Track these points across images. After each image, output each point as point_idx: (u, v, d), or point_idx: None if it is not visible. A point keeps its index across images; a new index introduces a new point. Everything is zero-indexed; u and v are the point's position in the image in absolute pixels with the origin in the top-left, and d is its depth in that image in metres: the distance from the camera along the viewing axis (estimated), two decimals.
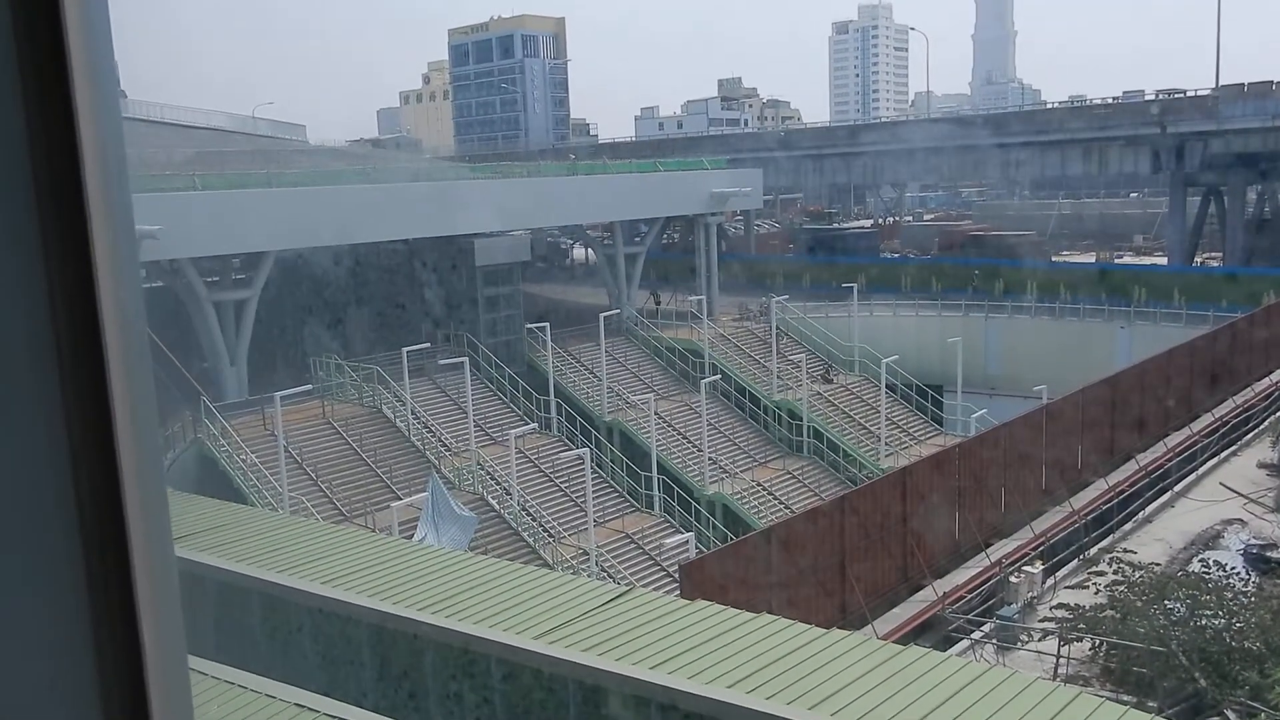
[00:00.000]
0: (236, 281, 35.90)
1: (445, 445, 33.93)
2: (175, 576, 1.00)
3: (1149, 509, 22.09)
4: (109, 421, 0.94)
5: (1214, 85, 53.85)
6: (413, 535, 25.47)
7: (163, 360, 31.22)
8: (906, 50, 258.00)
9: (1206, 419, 27.33)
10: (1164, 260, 58.89)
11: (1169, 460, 24.54)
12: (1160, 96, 57.40)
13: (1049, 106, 78.17)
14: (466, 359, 33.86)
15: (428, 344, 36.11)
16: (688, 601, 10.72)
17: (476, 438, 33.54)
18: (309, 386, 31.32)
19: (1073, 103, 75.79)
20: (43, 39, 0.89)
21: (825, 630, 9.68)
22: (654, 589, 25.51)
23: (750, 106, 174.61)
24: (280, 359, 36.60)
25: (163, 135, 55.63)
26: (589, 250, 59.32)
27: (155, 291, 35.38)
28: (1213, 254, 60.36)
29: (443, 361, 35.24)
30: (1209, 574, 16.11)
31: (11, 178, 0.88)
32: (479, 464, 32.50)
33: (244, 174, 38.61)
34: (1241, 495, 22.61)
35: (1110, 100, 62.90)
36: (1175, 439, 25.99)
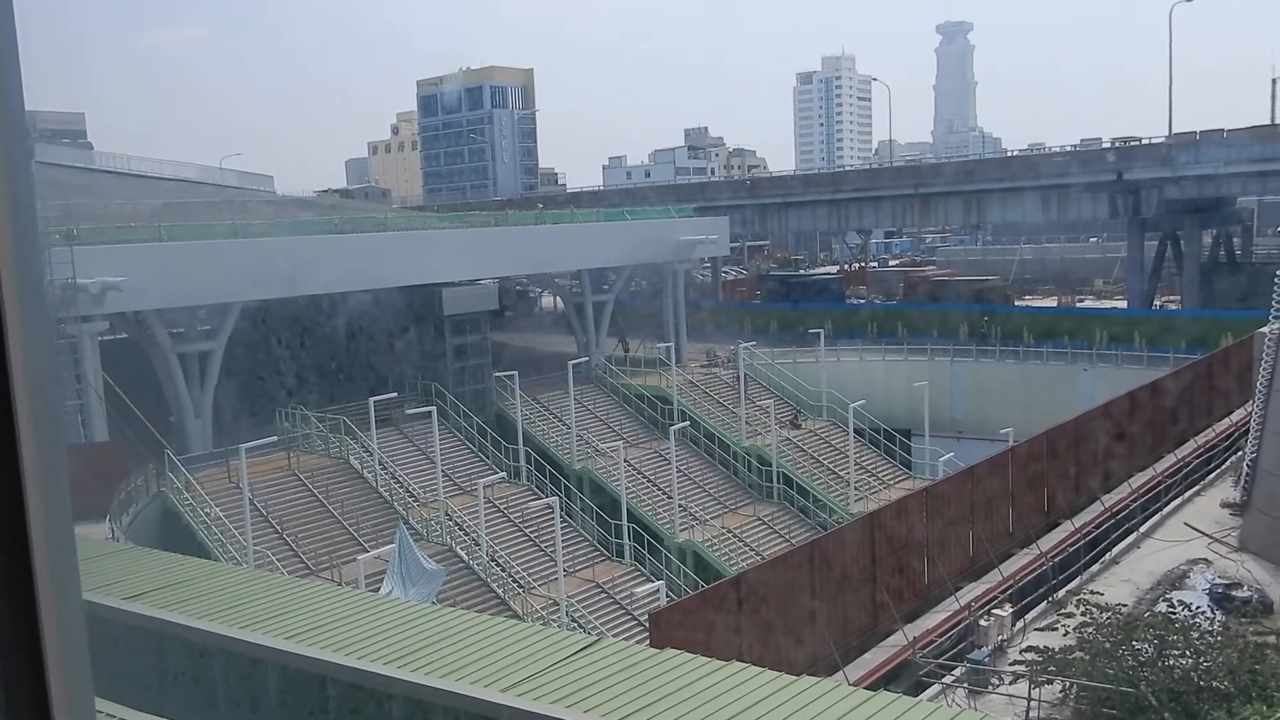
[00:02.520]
0: (202, 333, 35.60)
1: (413, 496, 33.62)
2: (83, 623, 1.01)
3: (1115, 550, 22.26)
4: (17, 471, 0.96)
5: (1167, 133, 55.32)
6: (380, 588, 25.12)
7: (126, 413, 30.82)
8: (870, 99, 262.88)
9: (1170, 459, 27.68)
10: (1124, 303, 59.95)
11: (1134, 501, 24.79)
12: (1116, 144, 58.84)
13: (1009, 154, 79.88)
14: (434, 408, 33.70)
15: (395, 393, 35.89)
16: (657, 650, 10.64)
17: (445, 488, 33.28)
18: (275, 438, 31.00)
19: (1032, 150, 77.49)
20: None
21: (796, 677, 9.64)
22: (625, 638, 25.28)
23: (717, 155, 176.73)
24: (246, 410, 36.22)
25: (129, 187, 55.38)
26: (557, 298, 59.48)
27: (119, 343, 35.04)
28: (1171, 297, 61.56)
29: (410, 411, 35.05)
30: (1176, 614, 16.22)
31: None
32: (447, 514, 32.21)
33: (210, 225, 38.49)
34: (1206, 535, 22.85)
35: (1068, 148, 64.33)
36: (1139, 479, 26.27)
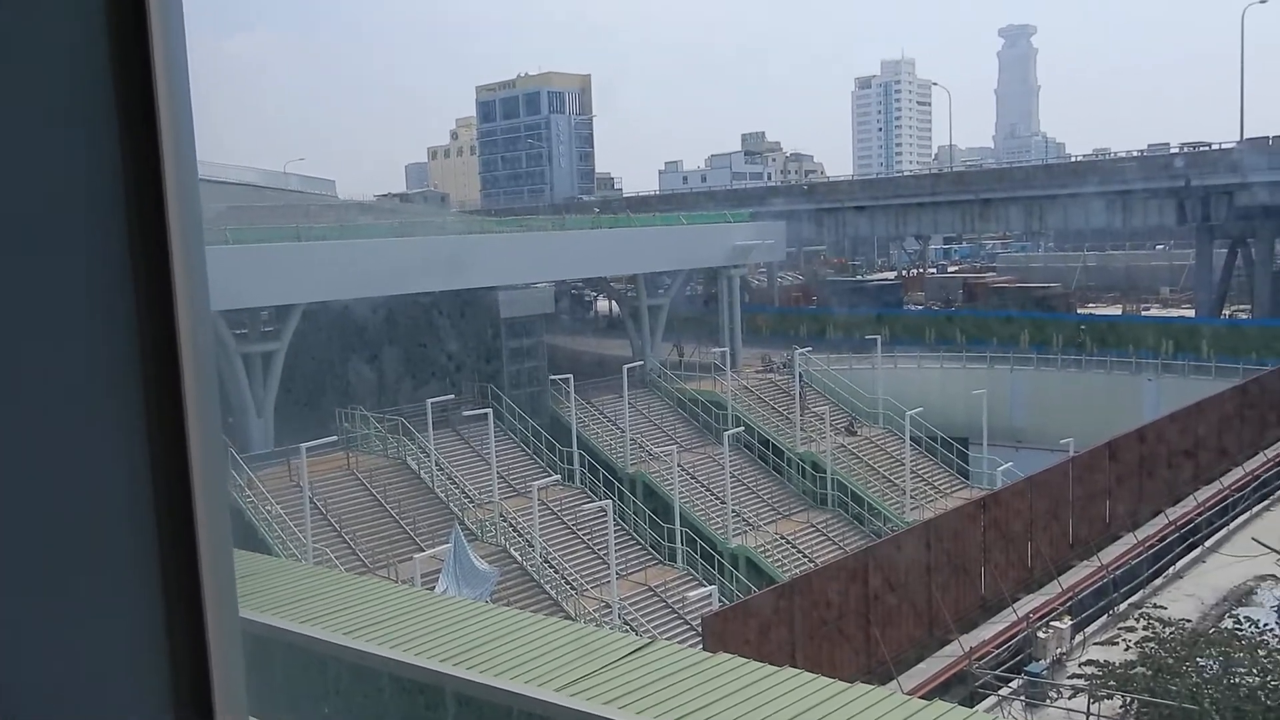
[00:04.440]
0: (264, 334, 36.40)
1: (468, 497, 33.97)
2: (240, 640, 1.09)
3: (1179, 564, 21.76)
4: (188, 491, 1.04)
5: (1238, 139, 53.92)
6: (434, 587, 25.46)
7: None
8: (929, 104, 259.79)
9: (1237, 473, 26.97)
10: (1191, 312, 58.51)
11: (1199, 514, 24.20)
12: (1184, 149, 57.49)
13: (1073, 159, 78.46)
14: (490, 410, 34.02)
15: (452, 395, 36.32)
16: (711, 654, 10.67)
17: (500, 489, 33.58)
18: (334, 438, 31.54)
19: (1097, 156, 76.02)
20: (131, 96, 1.00)
21: (849, 684, 9.61)
22: (677, 642, 25.30)
23: (773, 160, 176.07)
24: (307, 410, 36.92)
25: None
26: (612, 302, 59.73)
27: None
28: (1241, 306, 59.92)
29: (466, 413, 35.43)
30: (1242, 630, 15.83)
31: (105, 230, 0.99)
32: (501, 516, 32.50)
33: (273, 228, 39.30)
34: (1274, 550, 22.22)
35: (1134, 153, 63.00)
36: (1206, 493, 25.64)
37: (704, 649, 12.27)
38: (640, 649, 10.57)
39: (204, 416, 1.03)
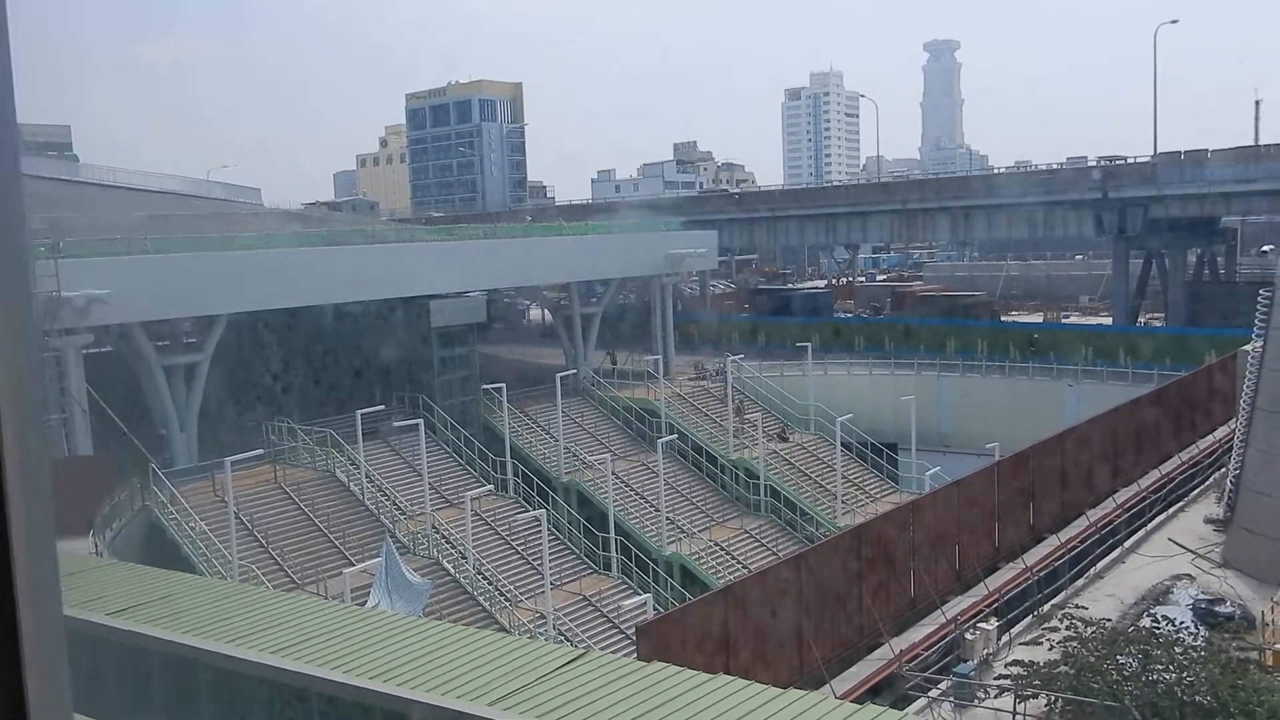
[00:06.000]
0: (187, 345, 35.45)
1: (399, 509, 33.50)
2: (63, 639, 1.04)
3: (1100, 565, 22.36)
4: (1, 485, 0.98)
5: (1153, 153, 55.81)
6: (365, 602, 25.01)
7: (110, 426, 30.64)
8: (857, 116, 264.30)
9: (1154, 475, 27.83)
10: (1109, 320, 60.33)
11: (1118, 516, 24.91)
12: (1102, 162, 59.32)
13: (995, 171, 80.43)
14: (421, 421, 33.60)
15: (382, 406, 35.79)
16: (645, 663, 10.64)
17: (432, 500, 33.15)
18: (260, 451, 30.84)
19: (1019, 168, 78.03)
20: None
21: (782, 690, 9.66)
22: (612, 651, 25.23)
23: (705, 169, 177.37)
24: (232, 423, 36.05)
25: (115, 200, 55.22)
26: (545, 311, 59.51)
27: (104, 356, 34.81)
28: (1155, 315, 62.00)
29: (397, 424, 34.97)
30: (1160, 629, 16.32)
31: None
32: (434, 527, 32.09)
33: (197, 237, 38.39)
34: (1190, 551, 22.99)
35: (1055, 166, 64.81)
36: (1124, 495, 26.40)
37: (638, 658, 12.24)
38: (573, 660, 10.51)
39: (20, 411, 0.98)
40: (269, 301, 36.55)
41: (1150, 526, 24.72)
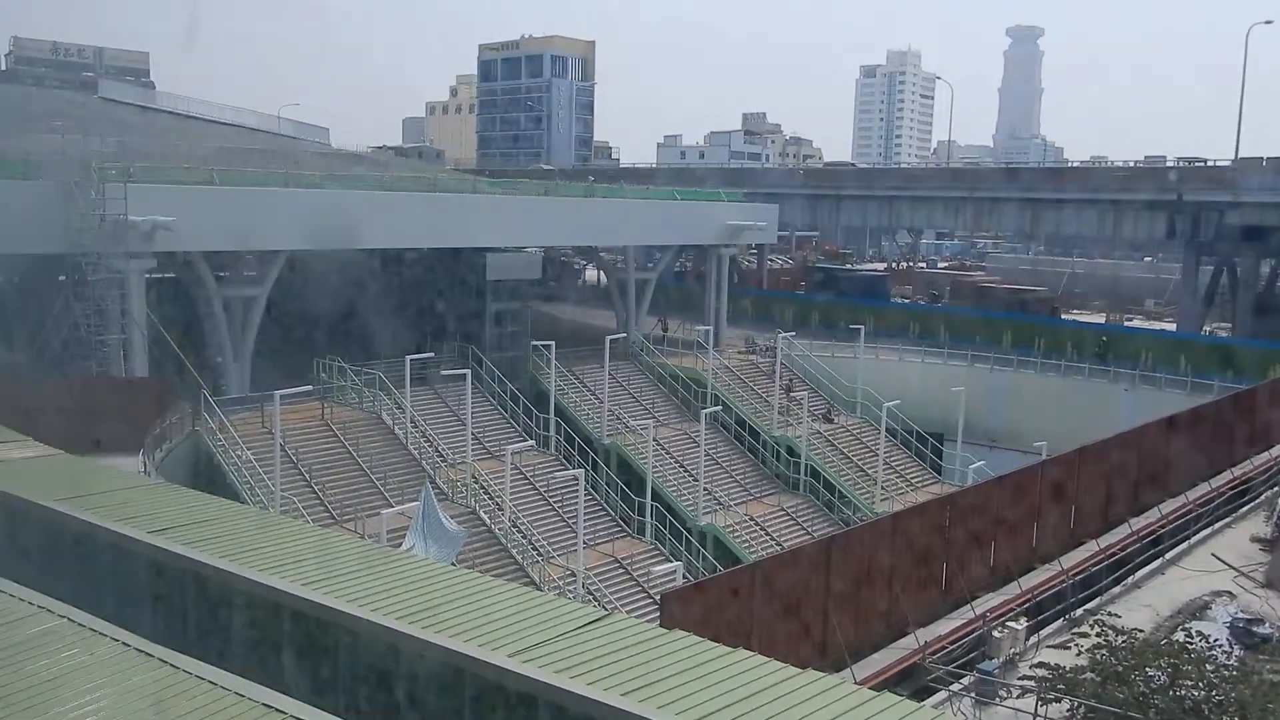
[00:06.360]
0: (247, 278, 36.08)
1: (441, 456, 33.93)
2: None
3: (1139, 574, 21.96)
4: None
5: (1233, 157, 54.03)
6: (401, 544, 25.45)
7: (167, 351, 31.36)
8: (932, 98, 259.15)
9: (1203, 488, 27.19)
10: (1174, 326, 58.84)
11: (1162, 526, 24.42)
12: (1180, 163, 57.58)
13: (1070, 164, 78.49)
14: (469, 371, 33.91)
15: (432, 354, 36.17)
16: (666, 630, 10.68)
17: (473, 451, 33.54)
18: (309, 387, 31.38)
19: (1094, 163, 76.07)
20: None
21: (800, 670, 9.64)
22: (639, 615, 25.42)
23: (773, 142, 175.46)
24: (284, 358, 36.70)
25: (187, 129, 56.09)
26: (601, 272, 59.52)
27: (165, 282, 35.58)
28: (1222, 324, 60.35)
29: (445, 372, 35.31)
30: (1193, 644, 15.99)
31: None
32: (474, 477, 32.48)
33: (262, 172, 38.88)
34: (1232, 568, 22.48)
35: (1131, 164, 63.03)
36: (1170, 505, 25.85)
37: (660, 624, 12.29)
38: (595, 620, 10.58)
39: None
40: (328, 241, 36.97)
41: (1194, 540, 24.20)
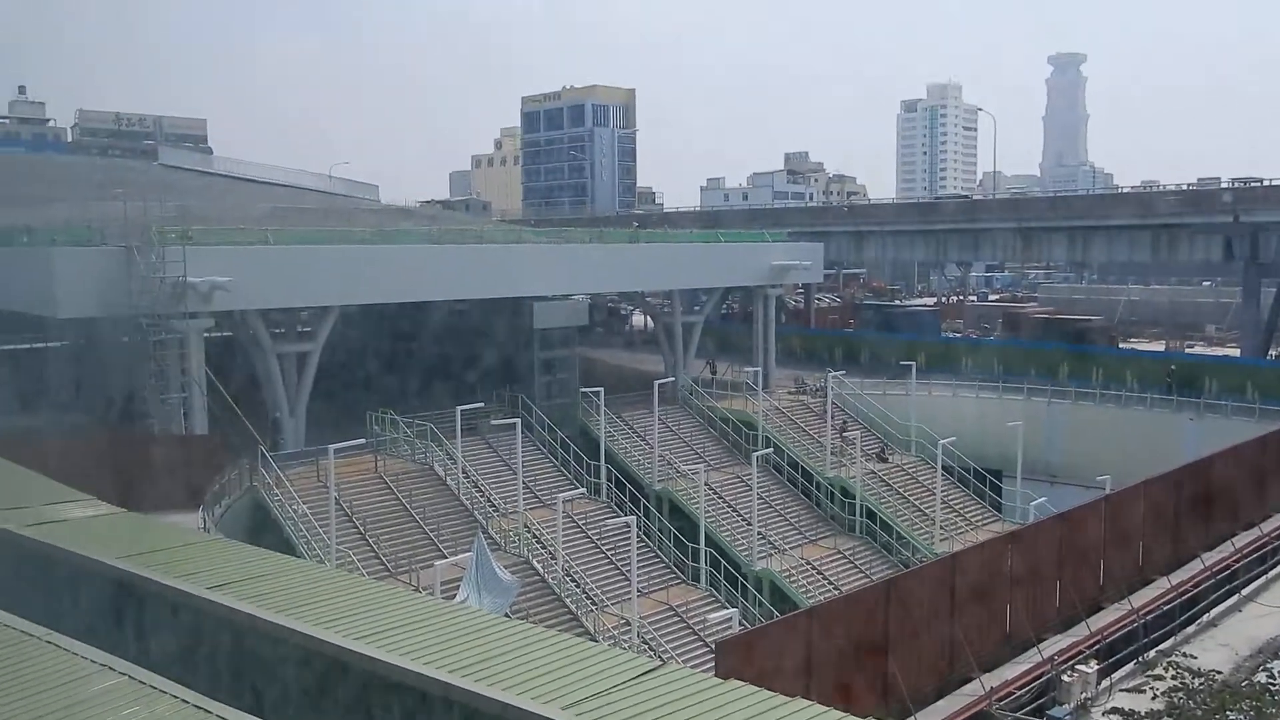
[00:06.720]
0: (301, 334, 36.73)
1: (493, 505, 33.99)
2: None
3: (1214, 612, 21.17)
4: None
5: None
6: (455, 595, 25.43)
7: (226, 408, 31.93)
8: (975, 130, 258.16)
9: (1277, 519, 26.26)
10: (1237, 352, 57.31)
11: (1237, 561, 23.55)
12: (1234, 184, 56.44)
13: (1120, 190, 77.36)
14: (519, 420, 34.03)
15: (482, 403, 36.39)
16: (721, 680, 10.47)
17: (525, 500, 33.55)
18: (363, 440, 31.71)
19: (1145, 187, 74.87)
20: None
21: None
22: (695, 664, 25.07)
23: (816, 180, 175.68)
24: (338, 411, 37.18)
25: (242, 191, 57.62)
26: (647, 317, 59.65)
27: (223, 340, 36.35)
28: None
29: (495, 421, 35.47)
30: (1275, 685, 15.35)
31: None
32: (526, 526, 32.45)
33: (314, 230, 39.73)
34: None
35: (1184, 187, 61.93)
36: (1244, 539, 24.96)
37: (716, 674, 12.06)
38: (649, 671, 10.41)
39: None
40: (380, 295, 37.60)
41: (1271, 575, 23.31)
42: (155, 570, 14.21)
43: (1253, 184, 55.27)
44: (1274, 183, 53.15)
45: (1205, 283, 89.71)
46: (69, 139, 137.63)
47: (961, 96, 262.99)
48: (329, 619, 12.28)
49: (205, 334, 32.47)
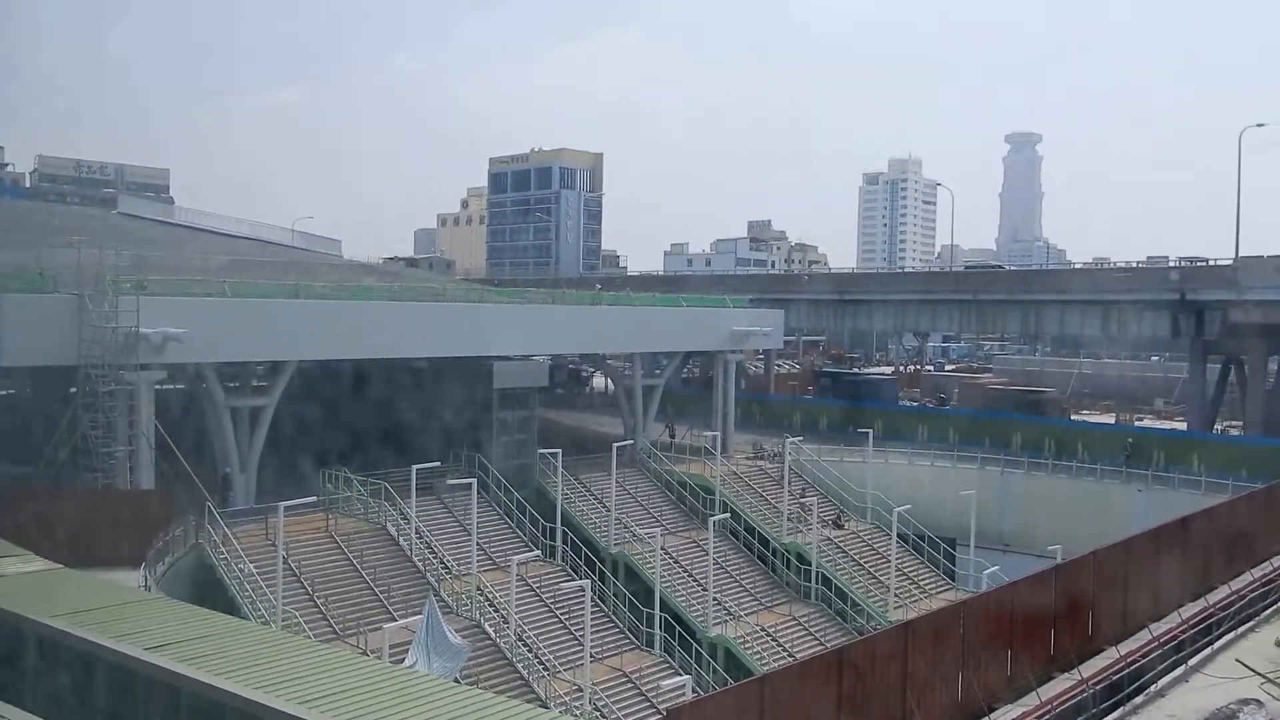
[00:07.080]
0: (255, 389, 36.27)
1: (446, 567, 33.50)
2: None
3: (1161, 682, 21.28)
4: None
5: (1234, 256, 54.56)
6: (403, 659, 24.92)
7: (174, 462, 31.35)
8: (934, 204, 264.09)
9: (1223, 590, 26.57)
10: (1184, 425, 58.49)
11: (1183, 631, 23.76)
12: (1181, 263, 58.11)
13: (1072, 266, 79.30)
14: (475, 480, 33.72)
15: (439, 462, 36.06)
16: None
17: (479, 561, 33.11)
18: (315, 498, 31.20)
19: (1096, 264, 76.84)
20: None
21: None
22: None
23: (778, 248, 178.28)
24: (291, 468, 36.62)
25: (202, 242, 57.25)
26: (608, 379, 59.70)
27: (174, 393, 35.79)
28: (1233, 422, 59.95)
29: (451, 481, 35.12)
30: None
31: None
32: (479, 589, 31.98)
33: (273, 284, 39.50)
34: (1258, 674, 21.77)
35: (1133, 264, 63.64)
36: (1190, 610, 25.22)
37: None
38: None
39: None
40: (337, 351, 37.32)
41: (1217, 645, 23.52)
42: (91, 630, 13.84)
43: (1198, 263, 56.97)
44: (1218, 262, 54.84)
45: (1154, 357, 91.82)
46: (27, 184, 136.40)
47: (921, 171, 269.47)
48: (271, 683, 12.01)
49: (156, 385, 31.96)
